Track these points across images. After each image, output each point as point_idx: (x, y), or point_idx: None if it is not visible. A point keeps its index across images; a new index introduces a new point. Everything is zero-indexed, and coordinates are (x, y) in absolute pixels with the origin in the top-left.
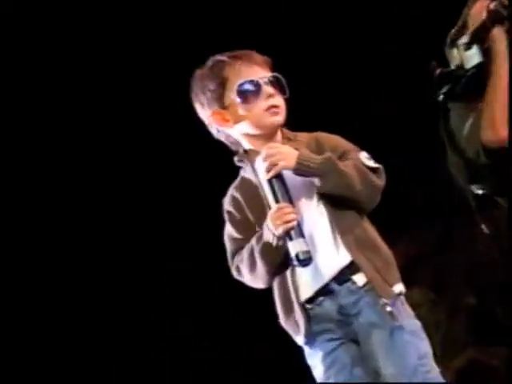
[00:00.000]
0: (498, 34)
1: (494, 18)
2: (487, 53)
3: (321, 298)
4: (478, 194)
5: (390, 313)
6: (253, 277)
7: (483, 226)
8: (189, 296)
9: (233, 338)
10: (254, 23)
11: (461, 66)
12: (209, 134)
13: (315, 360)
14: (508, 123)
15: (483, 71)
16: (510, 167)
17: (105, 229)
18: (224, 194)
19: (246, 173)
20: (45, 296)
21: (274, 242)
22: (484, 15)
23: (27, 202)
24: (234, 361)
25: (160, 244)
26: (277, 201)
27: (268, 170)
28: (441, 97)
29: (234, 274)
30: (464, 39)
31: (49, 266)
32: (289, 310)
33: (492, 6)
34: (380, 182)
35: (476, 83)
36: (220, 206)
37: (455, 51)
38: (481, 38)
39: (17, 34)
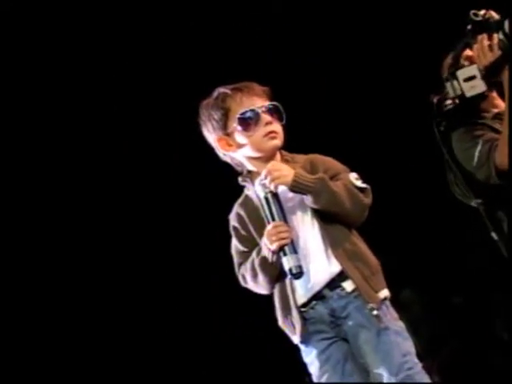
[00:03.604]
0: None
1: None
2: (496, 85)
3: (314, 303)
4: (485, 207)
5: (377, 316)
6: (256, 285)
7: (493, 234)
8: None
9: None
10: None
11: (461, 96)
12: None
13: (311, 357)
14: None
15: (485, 99)
16: None
17: (104, 230)
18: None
19: (249, 191)
20: (44, 296)
21: (270, 257)
22: (496, 51)
23: (27, 203)
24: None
25: (159, 245)
26: (273, 219)
27: (268, 185)
28: (442, 124)
29: (241, 281)
30: (470, 71)
31: (48, 266)
32: (287, 313)
33: (500, 42)
34: (367, 200)
35: (478, 111)
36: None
37: (455, 82)
38: (493, 72)
39: (15, 32)
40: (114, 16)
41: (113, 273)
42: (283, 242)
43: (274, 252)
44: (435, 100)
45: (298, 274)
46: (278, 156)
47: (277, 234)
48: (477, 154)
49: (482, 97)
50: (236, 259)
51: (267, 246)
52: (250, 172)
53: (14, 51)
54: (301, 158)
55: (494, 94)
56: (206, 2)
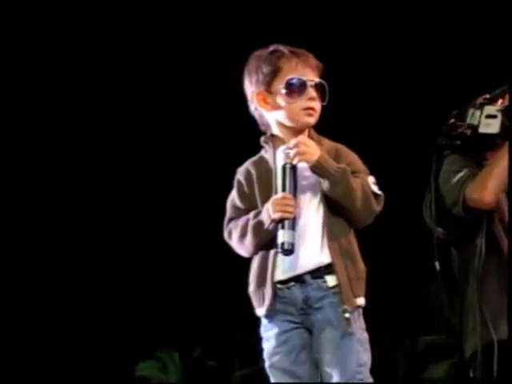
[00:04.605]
0: None
1: None
2: (506, 130)
3: (292, 284)
4: (439, 236)
5: (347, 319)
6: (240, 245)
7: (436, 263)
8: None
9: None
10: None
11: (475, 127)
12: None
13: (269, 333)
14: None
15: (492, 142)
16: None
17: (104, 230)
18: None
19: (266, 154)
20: (44, 297)
21: (267, 224)
22: None
23: (27, 203)
24: None
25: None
26: (283, 189)
27: (292, 156)
28: (443, 142)
29: (225, 236)
30: (495, 111)
31: (47, 263)
32: (260, 284)
33: None
34: (378, 207)
35: (480, 147)
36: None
37: (478, 113)
38: (510, 114)
39: (15, 32)
40: (114, 16)
41: (111, 271)
42: (286, 215)
43: (273, 220)
44: (452, 120)
45: (289, 251)
46: (306, 132)
47: (283, 205)
48: (456, 178)
49: (491, 140)
50: (229, 212)
51: (269, 212)
52: (273, 136)
53: (14, 51)
54: (327, 142)
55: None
56: (206, 2)
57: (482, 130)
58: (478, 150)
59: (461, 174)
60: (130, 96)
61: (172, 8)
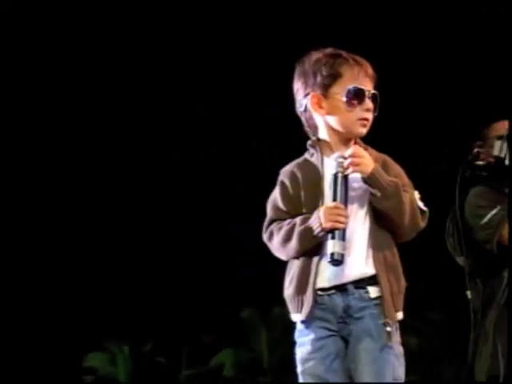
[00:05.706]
0: None
1: None
2: None
3: (333, 291)
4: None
5: (388, 332)
6: (282, 248)
7: (468, 292)
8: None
9: None
10: None
11: (500, 159)
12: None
13: (305, 339)
14: None
15: None
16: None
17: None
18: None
19: (312, 158)
20: (45, 297)
21: (316, 231)
22: None
23: (28, 202)
24: None
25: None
26: (335, 198)
27: (346, 166)
28: (467, 172)
29: (265, 238)
30: None
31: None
32: (301, 290)
33: None
34: (422, 223)
35: (505, 182)
36: None
37: (505, 145)
38: None
39: (15, 32)
40: (114, 16)
41: (69, 262)
42: (338, 225)
43: (324, 229)
44: (476, 150)
45: (338, 261)
46: (353, 140)
47: (335, 214)
48: (489, 215)
49: None
50: (270, 213)
51: (321, 220)
52: (319, 140)
53: (14, 51)
54: (373, 152)
55: None
56: (205, 2)
57: (507, 161)
58: (503, 180)
59: (495, 211)
60: (130, 96)
61: (172, 8)
